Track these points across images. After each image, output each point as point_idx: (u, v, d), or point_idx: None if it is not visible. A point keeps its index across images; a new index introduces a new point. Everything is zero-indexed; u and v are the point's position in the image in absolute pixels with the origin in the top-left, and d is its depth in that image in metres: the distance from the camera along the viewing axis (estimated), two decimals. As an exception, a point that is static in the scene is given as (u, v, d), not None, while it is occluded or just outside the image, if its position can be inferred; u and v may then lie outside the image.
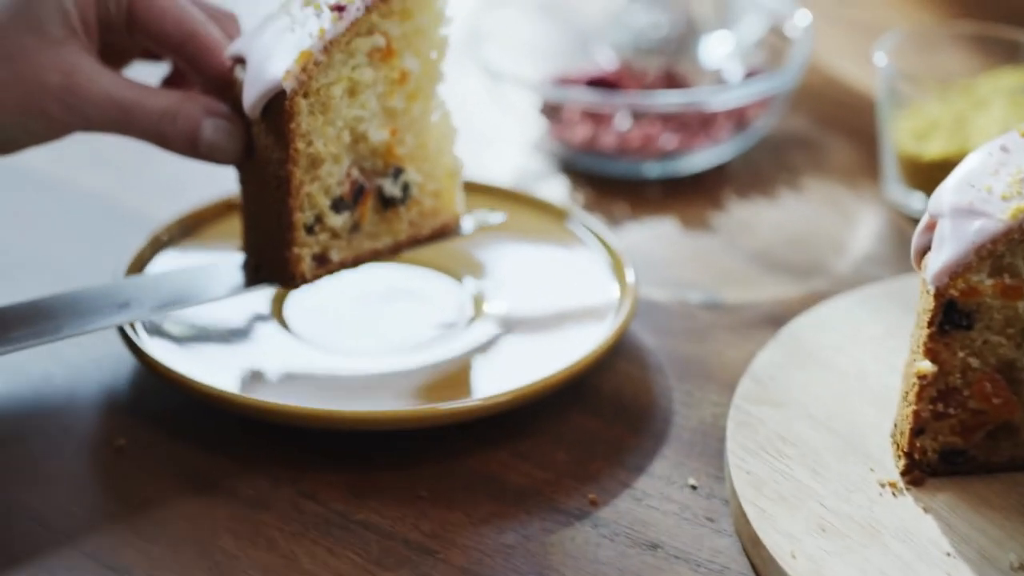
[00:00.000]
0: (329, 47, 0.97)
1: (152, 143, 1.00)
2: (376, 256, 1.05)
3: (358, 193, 1.02)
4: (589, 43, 1.48)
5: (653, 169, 1.29)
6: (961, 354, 0.89)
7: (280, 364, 1.01)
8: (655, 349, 1.08)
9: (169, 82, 1.09)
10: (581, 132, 1.31)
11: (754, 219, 1.25)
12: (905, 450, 0.92)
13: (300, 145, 0.98)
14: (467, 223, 1.08)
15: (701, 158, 1.30)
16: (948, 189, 0.89)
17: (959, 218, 0.87)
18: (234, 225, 1.10)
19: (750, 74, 1.40)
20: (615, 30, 1.49)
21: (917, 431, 0.91)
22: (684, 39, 1.48)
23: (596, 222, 1.14)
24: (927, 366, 0.89)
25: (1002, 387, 0.89)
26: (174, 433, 0.98)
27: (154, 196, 1.25)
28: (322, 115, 0.98)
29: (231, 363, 1.00)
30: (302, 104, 0.97)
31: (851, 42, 1.52)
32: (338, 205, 1.01)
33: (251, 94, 0.97)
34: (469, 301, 1.08)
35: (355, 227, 1.03)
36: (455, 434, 0.97)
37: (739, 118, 1.32)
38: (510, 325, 1.05)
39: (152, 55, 1.07)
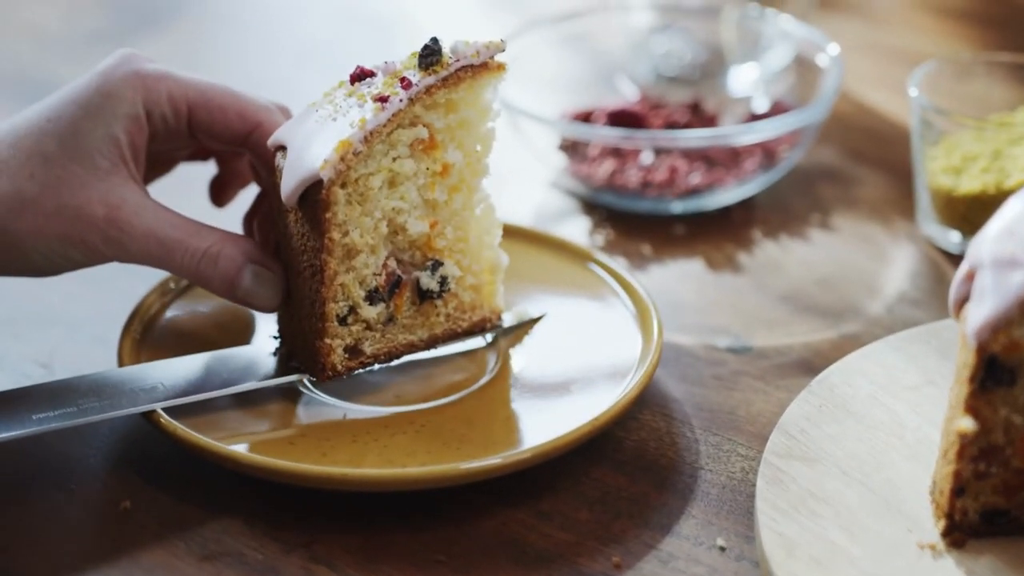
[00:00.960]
0: (369, 137, 0.94)
1: (191, 282, 1.00)
2: (411, 349, 1.02)
3: (394, 285, 0.99)
4: (613, 74, 1.44)
5: (678, 206, 1.25)
6: (1004, 411, 0.85)
7: (291, 421, 0.97)
8: (681, 398, 1.04)
9: (217, 183, 1.09)
10: (604, 168, 1.27)
11: (783, 257, 1.21)
12: (945, 511, 0.87)
13: (336, 235, 0.95)
14: (507, 317, 1.06)
15: (728, 194, 1.26)
16: (988, 238, 0.85)
17: (1000, 269, 0.83)
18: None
19: (777, 104, 1.36)
20: (639, 60, 1.46)
21: (958, 491, 0.87)
22: (710, 68, 1.44)
23: (619, 265, 1.10)
24: (968, 424, 0.85)
25: (1047, 445, 0.85)
26: (181, 495, 0.94)
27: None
28: (360, 205, 0.96)
29: (240, 421, 0.97)
30: (339, 194, 0.94)
31: (883, 70, 1.49)
32: (373, 296, 0.98)
33: (289, 182, 0.95)
34: (489, 352, 1.04)
35: (390, 319, 1.00)
36: (473, 493, 0.94)
37: (767, 152, 1.28)
38: (530, 378, 1.02)
39: (199, 156, 1.07)
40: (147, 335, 1.03)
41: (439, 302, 1.02)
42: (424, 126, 0.97)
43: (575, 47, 1.45)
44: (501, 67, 0.99)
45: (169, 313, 1.06)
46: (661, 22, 1.46)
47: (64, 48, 1.57)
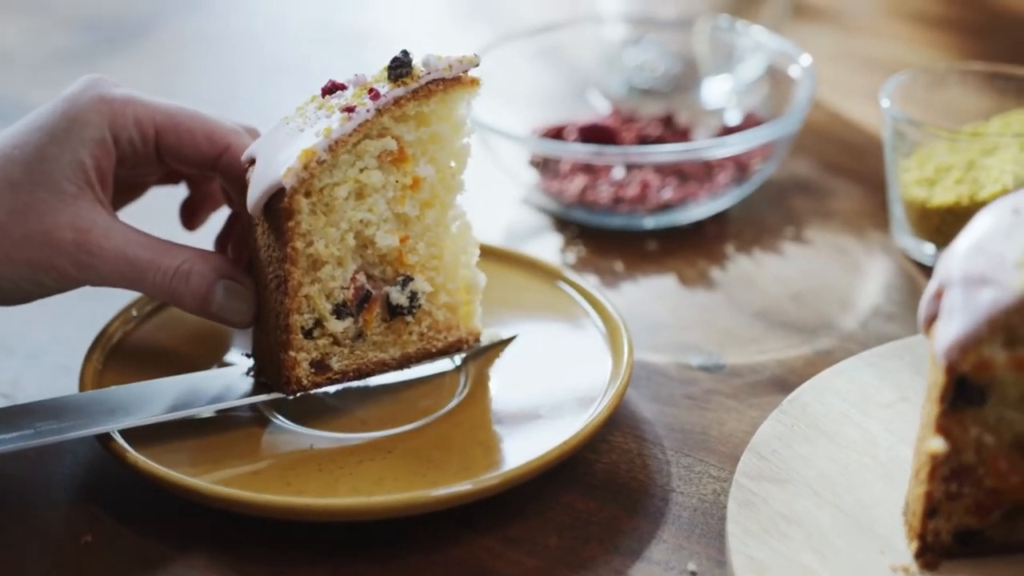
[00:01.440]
0: (334, 147, 0.93)
1: (164, 300, 0.99)
2: (382, 367, 1.00)
3: (363, 299, 0.98)
4: (585, 87, 1.43)
5: (650, 221, 1.24)
6: (974, 431, 0.84)
7: (255, 450, 0.96)
8: (652, 419, 1.02)
9: (188, 206, 1.08)
10: (575, 184, 1.26)
11: (757, 272, 1.20)
12: (918, 532, 0.86)
13: (299, 244, 0.94)
14: (483, 338, 1.04)
15: (700, 208, 1.25)
16: (957, 255, 0.84)
17: (970, 287, 0.82)
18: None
19: (750, 116, 1.35)
20: (612, 73, 1.45)
21: (930, 512, 0.85)
22: (683, 81, 1.43)
23: (590, 284, 1.09)
24: (938, 445, 0.83)
25: (1019, 464, 0.84)
26: (144, 527, 0.92)
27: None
28: (325, 215, 0.95)
29: (203, 451, 0.95)
30: (302, 203, 0.93)
31: (857, 79, 1.48)
32: (340, 310, 0.97)
33: (254, 192, 0.94)
34: (457, 375, 1.03)
35: (359, 335, 0.99)
36: (441, 520, 0.92)
37: (740, 165, 1.27)
38: (499, 401, 1.00)
39: (169, 180, 1.06)
40: (109, 363, 1.02)
41: (411, 319, 1.00)
42: (393, 138, 0.96)
43: (547, 60, 1.44)
44: (475, 82, 0.98)
45: (132, 340, 1.04)
46: (633, 35, 1.45)
47: (31, 68, 1.56)
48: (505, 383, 1.02)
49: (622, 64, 1.45)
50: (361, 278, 0.98)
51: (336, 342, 0.98)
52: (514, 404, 1.00)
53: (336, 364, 0.98)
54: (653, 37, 1.45)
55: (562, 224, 1.26)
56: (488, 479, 0.91)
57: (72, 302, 1.14)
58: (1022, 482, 0.84)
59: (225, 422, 0.98)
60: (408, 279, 0.99)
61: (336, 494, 0.91)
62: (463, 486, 0.90)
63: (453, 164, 0.99)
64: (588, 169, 1.27)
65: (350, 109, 0.94)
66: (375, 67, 0.99)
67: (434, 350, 1.02)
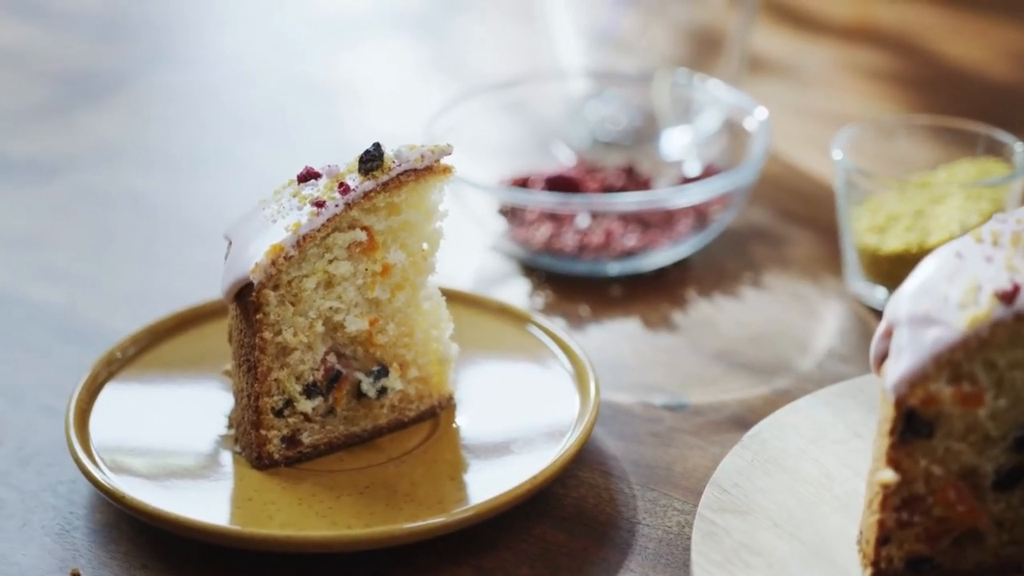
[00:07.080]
0: (302, 242, 0.96)
1: None
2: (353, 440, 1.03)
3: (334, 379, 1.01)
4: (550, 139, 1.48)
5: (614, 267, 1.29)
6: (923, 462, 0.88)
7: (237, 484, 0.99)
8: (619, 455, 1.06)
9: None
10: (541, 232, 1.30)
11: (717, 316, 1.24)
12: (871, 559, 0.90)
13: (268, 335, 0.97)
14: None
15: (662, 255, 1.29)
16: (905, 296, 0.89)
17: (916, 326, 0.87)
18: (190, 341, 1.09)
19: (709, 167, 1.40)
20: (575, 126, 1.50)
21: (883, 540, 0.90)
22: (644, 133, 1.48)
23: (558, 326, 1.13)
24: (890, 476, 0.88)
25: (965, 494, 0.89)
26: (130, 561, 0.95)
27: (109, 308, 1.23)
28: (293, 306, 0.98)
29: (185, 486, 0.98)
30: (270, 296, 0.97)
31: (811, 131, 1.53)
32: (311, 390, 1.00)
33: (226, 280, 0.98)
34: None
35: (329, 411, 1.02)
36: (416, 551, 0.96)
37: (700, 214, 1.32)
38: (472, 438, 1.04)
39: None
40: (94, 403, 1.04)
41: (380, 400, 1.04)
42: (363, 228, 0.99)
43: (513, 113, 1.48)
44: (447, 170, 1.00)
45: (116, 382, 1.07)
46: (596, 89, 1.50)
47: (10, 121, 1.59)
48: (477, 421, 1.06)
49: (585, 117, 1.50)
50: (331, 359, 1.01)
51: (307, 419, 1.01)
52: (486, 441, 1.04)
53: (307, 439, 1.01)
54: (615, 91, 1.50)
55: (529, 270, 1.31)
56: (462, 512, 0.94)
57: (55, 344, 1.18)
58: (969, 511, 0.89)
59: (209, 458, 1.01)
60: (383, 371, 1.02)
61: (316, 527, 0.94)
62: (437, 519, 0.94)
63: (425, 247, 1.02)
64: (554, 217, 1.32)
65: (320, 204, 0.97)
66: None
67: (406, 419, 1.05)
